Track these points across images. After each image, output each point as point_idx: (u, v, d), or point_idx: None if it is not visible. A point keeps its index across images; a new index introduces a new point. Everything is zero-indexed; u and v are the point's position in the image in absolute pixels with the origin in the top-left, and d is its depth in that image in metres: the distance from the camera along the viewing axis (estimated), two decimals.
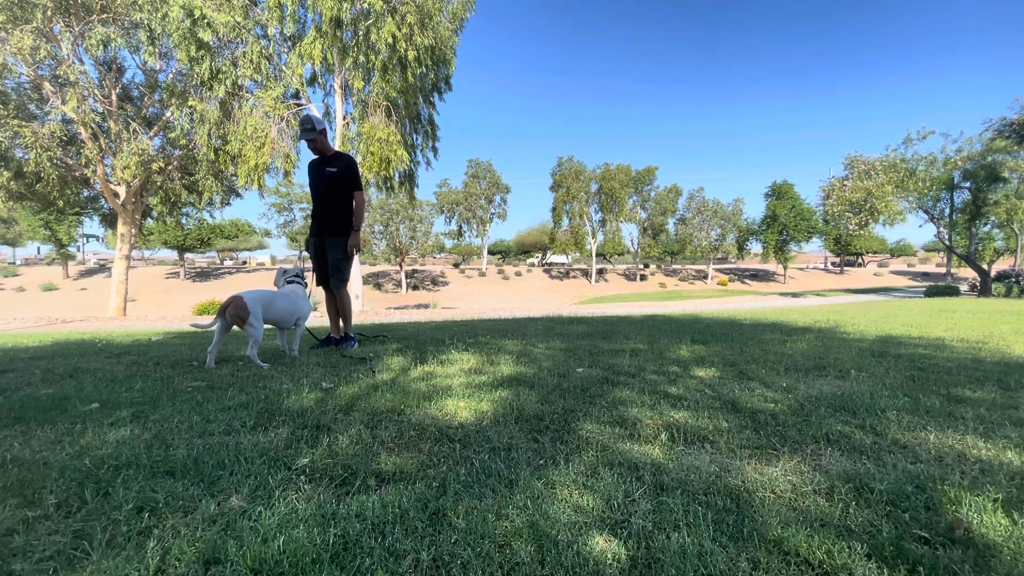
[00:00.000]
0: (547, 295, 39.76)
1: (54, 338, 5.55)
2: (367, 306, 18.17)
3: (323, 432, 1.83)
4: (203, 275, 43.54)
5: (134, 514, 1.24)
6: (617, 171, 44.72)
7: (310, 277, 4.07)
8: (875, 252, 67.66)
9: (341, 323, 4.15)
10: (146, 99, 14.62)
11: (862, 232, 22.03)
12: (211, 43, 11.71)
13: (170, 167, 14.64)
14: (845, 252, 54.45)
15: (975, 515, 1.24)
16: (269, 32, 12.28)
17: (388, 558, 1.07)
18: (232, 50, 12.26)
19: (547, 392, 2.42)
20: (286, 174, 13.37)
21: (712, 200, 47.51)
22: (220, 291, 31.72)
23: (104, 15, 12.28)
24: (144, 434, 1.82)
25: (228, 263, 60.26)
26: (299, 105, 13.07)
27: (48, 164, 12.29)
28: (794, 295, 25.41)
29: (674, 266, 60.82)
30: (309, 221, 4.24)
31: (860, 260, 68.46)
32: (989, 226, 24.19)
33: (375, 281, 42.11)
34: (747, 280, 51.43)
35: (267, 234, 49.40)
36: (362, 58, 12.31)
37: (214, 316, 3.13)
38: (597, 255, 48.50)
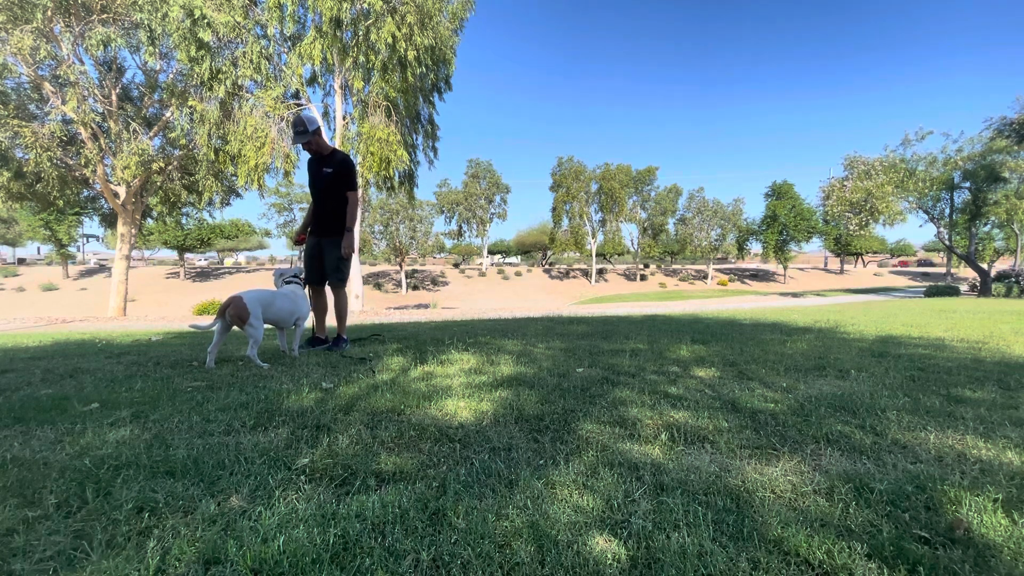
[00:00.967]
0: (547, 295, 39.76)
1: (54, 338, 5.55)
2: (367, 306, 18.17)
3: (323, 432, 1.83)
4: (203, 275, 43.54)
5: (134, 514, 1.24)
6: (617, 171, 44.71)
7: None
8: (875, 252, 67.67)
9: (335, 323, 4.14)
10: (146, 99, 14.62)
11: (862, 232, 22.04)
12: (211, 43, 11.71)
13: (170, 167, 14.64)
14: (845, 252, 54.43)
15: (975, 515, 1.24)
16: (269, 32, 12.28)
17: (388, 558, 1.07)
18: (232, 50, 12.26)
19: (547, 392, 2.42)
20: (286, 174, 13.38)
21: (712, 200, 47.51)
22: (220, 291, 31.73)
23: (104, 15, 12.29)
24: (144, 434, 1.82)
25: (202, 262, 59.96)
26: (299, 105, 13.07)
27: (48, 164, 12.30)
28: (794, 295, 25.41)
29: (674, 266, 60.82)
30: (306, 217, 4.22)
31: (860, 260, 68.48)
32: (989, 226, 24.19)
33: (375, 281, 42.11)
34: (747, 280, 51.43)
35: (267, 234, 49.43)
36: (362, 58, 12.32)
37: (214, 317, 3.13)
38: (597, 255, 48.50)
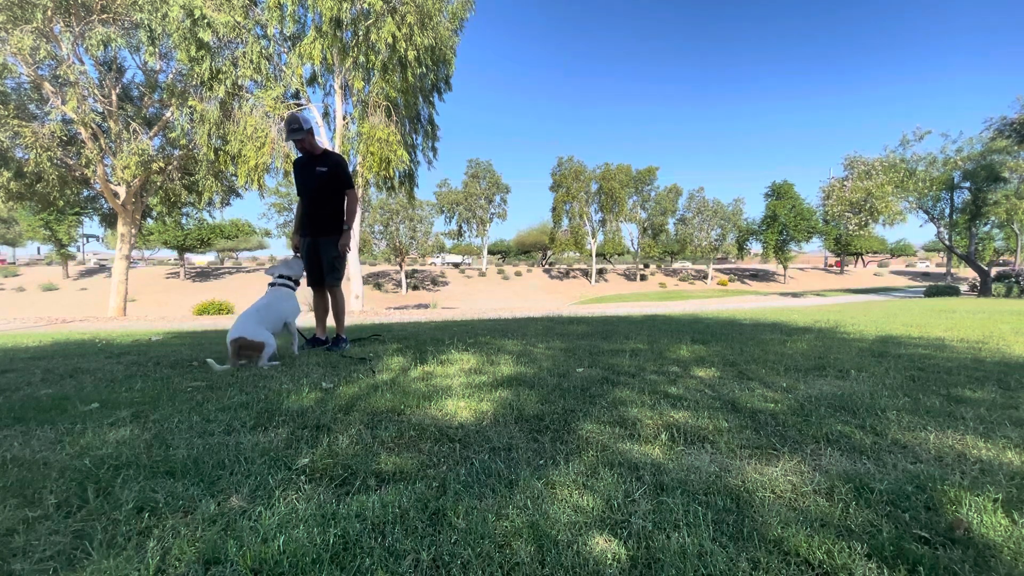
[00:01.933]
0: (547, 295, 39.77)
1: (54, 338, 5.56)
2: (367, 306, 18.17)
3: (323, 432, 1.83)
4: (203, 275, 43.54)
5: (134, 514, 1.24)
6: (617, 171, 44.74)
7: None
8: (875, 252, 67.69)
9: (333, 323, 4.13)
10: (146, 99, 14.63)
11: (862, 232, 22.05)
12: (211, 43, 11.71)
13: (170, 167, 14.65)
14: (845, 252, 54.44)
15: (975, 515, 1.24)
16: (269, 32, 12.28)
17: (388, 558, 1.07)
18: (232, 50, 12.27)
19: (547, 392, 2.42)
20: (286, 174, 13.38)
21: (712, 200, 47.57)
22: (220, 291, 31.69)
23: (104, 15, 12.29)
24: (144, 434, 1.82)
25: (170, 258, 57.27)
26: (299, 105, 13.07)
27: (48, 164, 12.30)
28: (794, 295, 25.42)
29: (674, 266, 60.83)
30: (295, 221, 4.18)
31: (860, 260, 68.45)
32: (989, 226, 24.18)
33: (375, 281, 42.11)
34: (747, 280, 51.45)
35: (267, 234, 49.43)
36: (362, 58, 12.32)
37: (230, 358, 3.08)
38: (597, 255, 48.50)
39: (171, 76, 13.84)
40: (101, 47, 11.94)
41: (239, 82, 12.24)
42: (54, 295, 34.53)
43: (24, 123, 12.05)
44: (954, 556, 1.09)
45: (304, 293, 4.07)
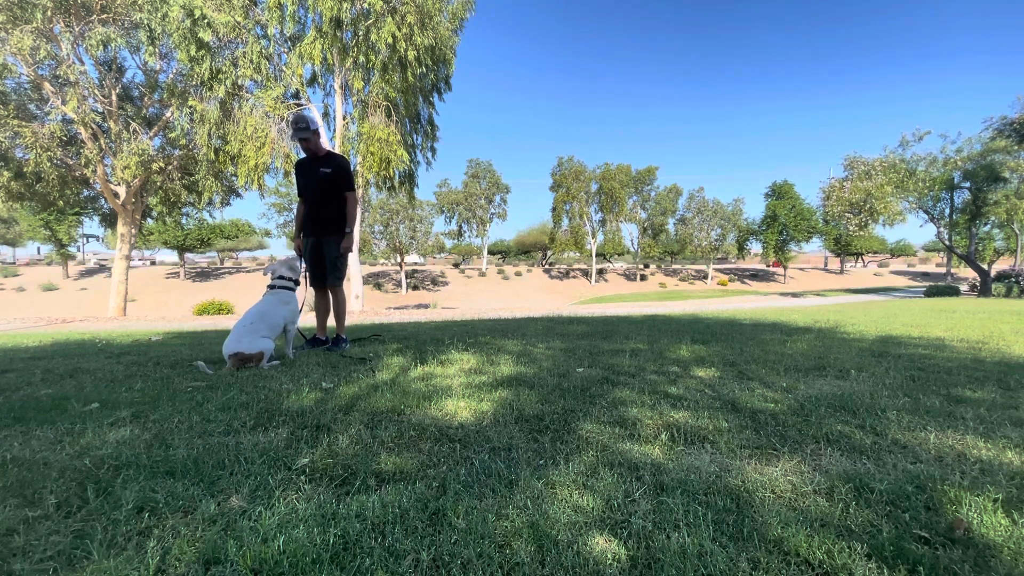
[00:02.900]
0: (547, 295, 39.77)
1: (54, 338, 5.56)
2: (367, 306, 18.17)
3: (323, 432, 1.83)
4: (203, 275, 43.54)
5: (134, 514, 1.24)
6: (617, 171, 44.71)
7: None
8: (875, 252, 67.68)
9: (334, 323, 4.13)
10: (146, 99, 14.63)
11: (862, 233, 22.04)
12: (211, 43, 11.71)
13: (170, 167, 14.64)
14: (845, 252, 54.43)
15: (975, 515, 1.24)
16: (269, 32, 12.27)
17: (388, 558, 1.07)
18: (232, 50, 12.26)
19: (547, 392, 2.42)
20: (286, 174, 13.38)
21: (712, 200, 47.52)
22: (220, 291, 31.66)
23: (104, 15, 12.29)
24: (144, 434, 1.82)
25: (139, 256, 54.53)
26: (299, 105, 13.07)
27: (48, 164, 12.30)
28: (794, 295, 25.42)
29: (674, 266, 60.83)
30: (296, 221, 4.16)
31: (860, 260, 68.46)
32: (989, 226, 24.18)
33: (375, 281, 42.11)
34: (747, 280, 51.45)
35: (267, 234, 49.40)
36: (362, 58, 12.31)
37: (227, 369, 3.02)
38: (597, 255, 48.50)
39: (171, 76, 13.84)
40: (101, 47, 11.94)
41: (239, 82, 12.23)
42: (54, 295, 34.52)
43: (24, 123, 12.05)
44: (954, 556, 1.09)
45: (304, 293, 4.04)
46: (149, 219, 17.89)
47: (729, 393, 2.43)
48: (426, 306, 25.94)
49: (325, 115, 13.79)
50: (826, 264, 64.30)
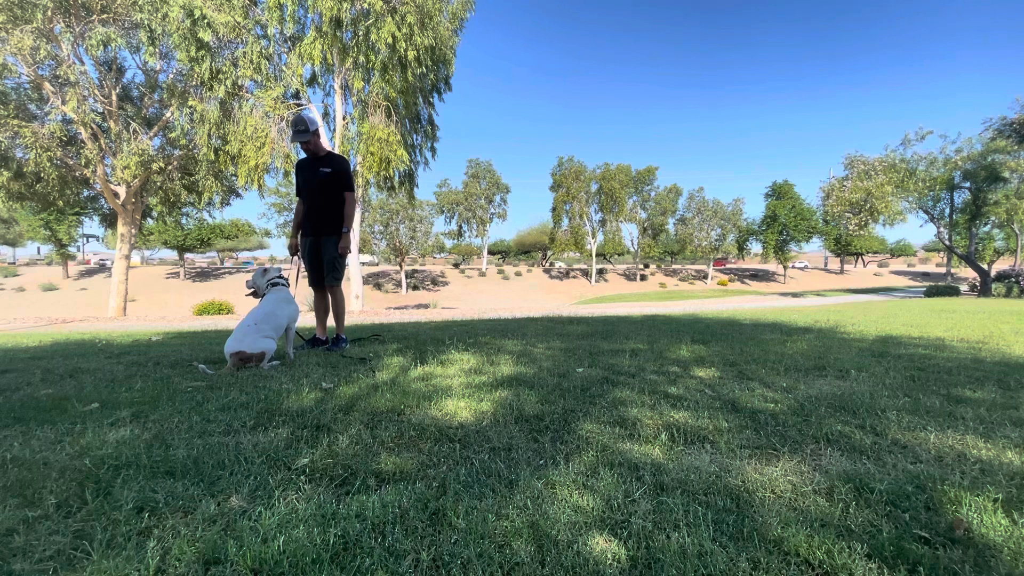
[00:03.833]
0: (547, 295, 39.77)
1: (54, 338, 5.56)
2: (367, 306, 18.17)
3: (323, 432, 1.83)
4: (203, 275, 43.53)
5: (134, 514, 1.24)
6: (617, 171, 44.73)
7: (293, 275, 3.97)
8: (875, 252, 67.70)
9: (333, 323, 4.14)
10: (146, 99, 14.63)
11: (862, 232, 22.04)
12: (211, 43, 11.71)
13: (170, 167, 14.64)
14: (845, 252, 54.43)
15: (975, 515, 1.24)
16: (269, 32, 12.28)
17: (388, 558, 1.07)
18: (232, 50, 12.26)
19: (547, 392, 2.42)
20: (286, 174, 13.38)
21: (712, 200, 47.55)
22: (220, 291, 31.68)
23: (104, 15, 12.29)
24: (144, 434, 1.82)
25: (101, 260, 53.70)
26: (299, 105, 13.07)
27: (48, 164, 12.30)
28: (794, 295, 25.42)
29: (674, 266, 60.83)
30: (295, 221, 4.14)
31: (860, 260, 68.46)
32: (989, 226, 24.18)
33: (375, 281, 42.11)
34: (747, 280, 51.46)
35: (267, 234, 49.44)
36: (362, 58, 12.31)
37: (228, 368, 3.00)
38: (597, 255, 48.51)
39: (171, 76, 13.84)
40: (101, 47, 11.93)
41: (239, 82, 12.23)
42: (54, 295, 34.52)
43: (24, 123, 12.05)
44: (954, 556, 1.09)
45: (304, 293, 4.03)
46: (149, 219, 17.89)
47: (729, 393, 2.43)
48: (426, 306, 25.94)
49: (325, 115, 13.80)
50: (826, 264, 64.30)
